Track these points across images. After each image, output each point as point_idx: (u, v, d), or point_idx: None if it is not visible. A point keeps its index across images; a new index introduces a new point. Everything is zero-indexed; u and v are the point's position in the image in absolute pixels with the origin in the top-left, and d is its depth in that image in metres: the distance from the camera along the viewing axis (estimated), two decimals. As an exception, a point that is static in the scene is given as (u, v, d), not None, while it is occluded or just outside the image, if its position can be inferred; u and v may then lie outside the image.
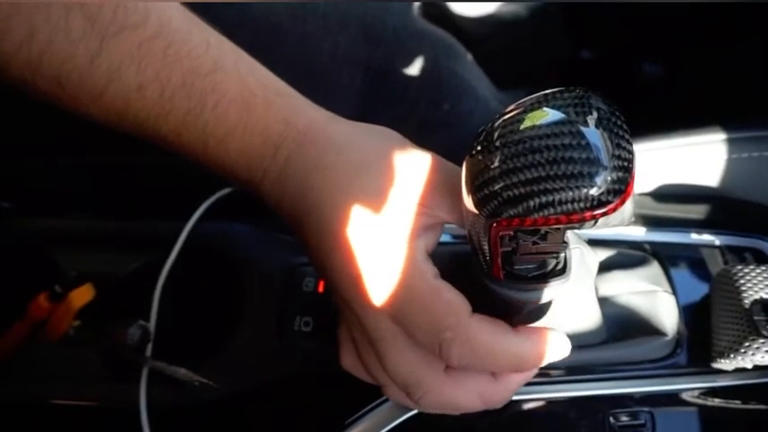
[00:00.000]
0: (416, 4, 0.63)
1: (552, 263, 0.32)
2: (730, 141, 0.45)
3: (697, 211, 0.47)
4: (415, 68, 0.57)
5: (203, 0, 0.48)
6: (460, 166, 0.29)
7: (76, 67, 0.32)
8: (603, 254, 0.45)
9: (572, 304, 0.38)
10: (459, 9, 0.71)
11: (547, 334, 0.33)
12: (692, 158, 0.46)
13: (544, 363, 0.33)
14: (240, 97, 0.35)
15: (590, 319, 0.40)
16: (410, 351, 0.33)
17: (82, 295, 0.44)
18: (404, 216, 0.33)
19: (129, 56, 0.33)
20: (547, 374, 0.41)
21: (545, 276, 0.32)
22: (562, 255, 0.32)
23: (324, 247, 0.33)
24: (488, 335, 0.32)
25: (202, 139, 0.35)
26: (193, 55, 0.34)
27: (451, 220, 0.34)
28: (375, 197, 0.33)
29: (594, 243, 0.46)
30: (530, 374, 0.36)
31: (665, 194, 0.47)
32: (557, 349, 0.34)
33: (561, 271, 0.32)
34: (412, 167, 0.34)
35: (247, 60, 0.36)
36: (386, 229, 0.33)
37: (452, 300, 0.32)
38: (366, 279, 0.32)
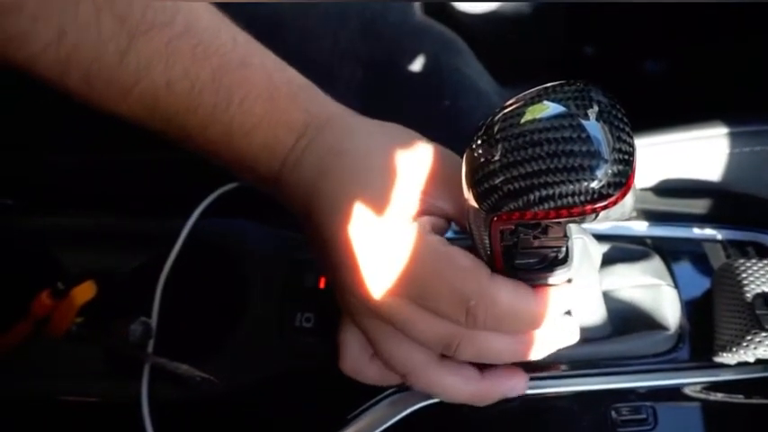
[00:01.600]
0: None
1: (552, 256, 0.32)
2: (732, 136, 0.45)
3: (699, 206, 0.47)
4: (415, 64, 0.57)
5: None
6: (463, 163, 0.29)
7: (105, 65, 0.33)
8: (605, 248, 0.45)
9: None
10: (460, 5, 0.71)
11: (561, 289, 0.33)
12: (694, 153, 0.46)
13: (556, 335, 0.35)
14: (266, 92, 0.36)
15: (595, 313, 0.40)
16: (435, 322, 0.33)
17: (84, 292, 0.45)
18: (407, 199, 0.34)
19: (158, 53, 0.34)
20: (549, 369, 0.41)
21: (548, 266, 0.32)
22: (562, 249, 0.32)
23: (333, 235, 0.34)
24: (511, 295, 0.32)
25: (228, 132, 0.36)
26: (221, 52, 0.36)
27: (452, 211, 0.35)
28: (381, 182, 0.34)
29: (596, 238, 0.46)
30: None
31: (667, 189, 0.47)
32: (569, 324, 0.35)
33: (563, 260, 0.32)
34: (416, 158, 0.35)
35: (273, 58, 0.38)
36: (391, 211, 0.33)
37: (469, 265, 0.32)
38: (378, 263, 0.33)
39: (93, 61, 0.33)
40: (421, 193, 0.34)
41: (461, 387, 0.36)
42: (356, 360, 0.38)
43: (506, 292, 0.32)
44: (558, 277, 0.32)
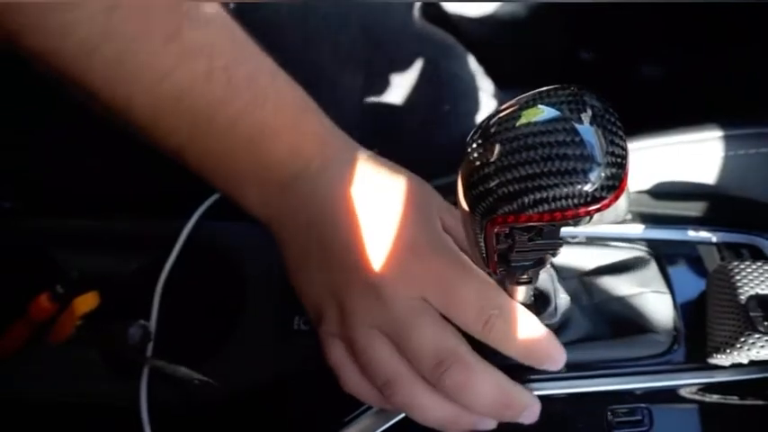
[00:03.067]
0: (417, 6, 0.63)
1: (548, 260, 0.33)
2: (727, 138, 0.45)
3: (694, 209, 0.47)
4: (415, 69, 0.58)
5: (207, 0, 0.48)
6: (459, 167, 0.29)
7: (148, 45, 0.34)
8: (601, 251, 0.45)
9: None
10: (458, 10, 0.71)
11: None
12: (690, 156, 0.46)
13: (549, 363, 0.36)
14: (296, 102, 0.39)
15: (589, 316, 0.41)
16: (444, 326, 0.34)
17: (86, 302, 0.45)
18: (435, 215, 0.37)
19: (202, 46, 0.35)
20: (545, 372, 0.41)
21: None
22: (557, 252, 0.33)
23: (359, 236, 0.35)
24: (524, 317, 0.34)
25: (258, 129, 0.37)
26: (257, 58, 0.38)
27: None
28: (411, 195, 0.36)
29: (591, 242, 0.46)
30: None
31: (663, 192, 0.47)
32: (560, 353, 0.36)
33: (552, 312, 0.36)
34: (421, 186, 0.38)
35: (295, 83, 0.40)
36: (424, 218, 0.36)
37: (493, 282, 0.34)
38: (413, 261, 0.34)
39: (138, 38, 0.33)
40: (438, 209, 0.37)
41: (434, 410, 0.36)
42: (353, 376, 0.37)
43: (521, 312, 0.34)
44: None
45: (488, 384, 0.34)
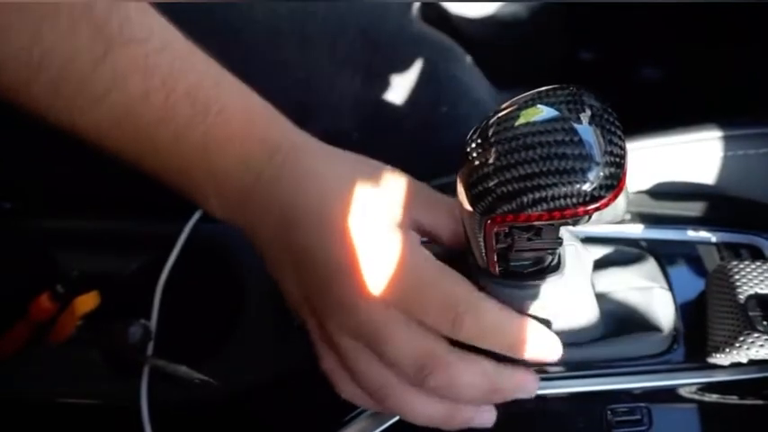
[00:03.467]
0: (415, 7, 0.63)
1: (547, 259, 0.33)
2: (727, 139, 0.45)
3: (693, 209, 0.47)
4: (413, 71, 0.58)
5: (206, 1, 0.49)
6: (459, 167, 0.29)
7: (78, 71, 0.33)
8: (600, 251, 0.45)
9: (569, 301, 0.39)
10: (457, 11, 0.71)
11: (543, 328, 0.34)
12: (689, 156, 0.46)
13: (535, 353, 0.34)
14: (242, 109, 0.37)
15: (587, 315, 0.41)
16: (416, 331, 0.33)
17: (87, 302, 0.45)
18: (392, 210, 0.35)
19: (136, 65, 0.34)
20: (544, 371, 0.41)
21: (540, 273, 0.33)
22: (556, 252, 0.33)
23: (316, 245, 0.34)
24: (497, 310, 0.33)
25: (201, 144, 0.36)
26: (198, 69, 0.36)
27: (431, 228, 0.36)
28: (364, 196, 0.35)
29: (591, 240, 0.46)
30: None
31: (662, 192, 0.47)
32: (550, 344, 0.34)
33: (555, 267, 0.33)
34: (393, 178, 0.37)
35: (244, 85, 0.38)
36: (378, 219, 0.34)
37: (459, 277, 0.33)
38: (367, 268, 0.33)
39: (65, 66, 0.33)
40: (403, 207, 0.35)
41: (427, 410, 0.35)
42: (347, 382, 0.37)
43: (493, 305, 0.33)
44: (550, 284, 0.33)
45: (473, 376, 0.34)
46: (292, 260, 0.36)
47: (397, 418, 0.40)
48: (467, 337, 0.33)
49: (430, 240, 0.37)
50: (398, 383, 0.35)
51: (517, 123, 0.26)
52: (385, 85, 0.56)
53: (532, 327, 0.34)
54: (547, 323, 0.34)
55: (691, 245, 0.47)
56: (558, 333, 0.34)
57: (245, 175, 0.36)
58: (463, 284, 0.33)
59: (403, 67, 0.56)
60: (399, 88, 0.56)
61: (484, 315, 0.32)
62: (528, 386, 0.36)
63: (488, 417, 0.37)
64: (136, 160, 0.37)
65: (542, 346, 0.34)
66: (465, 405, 0.36)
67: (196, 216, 0.48)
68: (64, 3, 0.32)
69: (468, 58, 0.63)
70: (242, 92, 0.38)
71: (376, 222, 0.34)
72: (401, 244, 0.34)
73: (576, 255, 0.37)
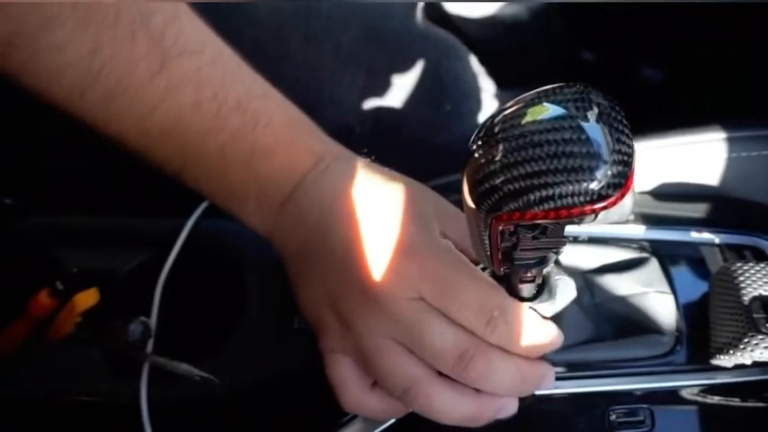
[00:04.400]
0: (419, 7, 0.63)
1: (550, 261, 0.33)
2: (730, 140, 0.45)
3: (697, 210, 0.47)
4: (416, 69, 0.58)
5: (210, 0, 0.48)
6: (463, 165, 0.29)
7: (134, 82, 0.34)
8: (603, 252, 0.45)
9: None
10: (460, 11, 0.71)
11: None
12: (692, 157, 0.46)
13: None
14: (288, 120, 0.39)
15: (593, 316, 0.41)
16: (451, 322, 0.34)
17: (86, 299, 0.44)
18: (430, 219, 0.36)
19: (189, 77, 0.35)
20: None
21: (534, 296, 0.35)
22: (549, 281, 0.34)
23: (354, 245, 0.35)
24: (527, 315, 0.34)
25: (249, 151, 0.37)
26: (247, 81, 0.38)
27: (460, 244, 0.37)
28: (404, 201, 0.36)
29: (595, 241, 0.46)
30: None
31: (665, 193, 0.47)
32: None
33: (546, 298, 0.35)
34: (427, 192, 0.39)
35: (287, 99, 0.40)
36: (418, 223, 0.36)
37: (493, 282, 0.34)
38: (406, 265, 0.34)
39: (124, 77, 0.34)
40: (435, 216, 0.37)
41: (459, 406, 0.36)
42: (357, 393, 0.37)
43: (525, 312, 0.34)
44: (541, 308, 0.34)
45: (507, 366, 0.34)
46: (319, 268, 0.37)
47: (394, 420, 0.40)
48: (497, 340, 0.34)
49: None
50: (430, 381, 0.35)
51: (524, 121, 0.26)
52: (388, 82, 0.56)
53: (555, 333, 0.35)
54: None
55: (694, 246, 0.47)
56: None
57: (286, 183, 0.38)
58: (497, 289, 0.34)
59: (407, 65, 0.56)
60: (403, 86, 0.56)
61: (516, 319, 0.33)
62: (549, 378, 0.37)
63: (513, 407, 0.37)
64: (180, 170, 0.38)
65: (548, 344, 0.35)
66: (492, 397, 0.36)
67: (197, 213, 0.48)
68: (123, 13, 0.33)
69: (472, 57, 0.63)
70: (286, 104, 0.39)
71: (416, 224, 0.35)
72: (439, 245, 0.35)
73: (570, 262, 0.37)
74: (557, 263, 0.37)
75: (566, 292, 0.36)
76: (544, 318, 0.35)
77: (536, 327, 0.34)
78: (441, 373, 0.35)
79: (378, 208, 0.36)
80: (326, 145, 0.39)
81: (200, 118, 0.36)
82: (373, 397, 0.37)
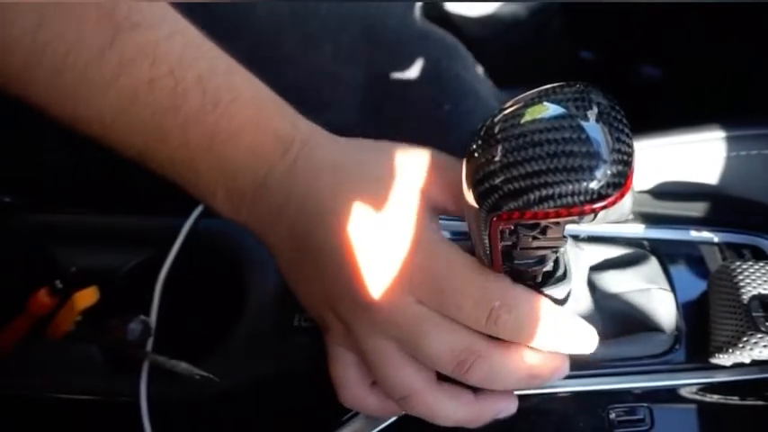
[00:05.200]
0: (417, 6, 0.63)
1: (551, 264, 0.33)
2: (730, 139, 0.45)
3: (696, 209, 0.47)
4: (416, 69, 0.57)
5: (208, 0, 0.48)
6: (464, 162, 0.29)
7: (83, 57, 0.32)
8: (602, 251, 0.45)
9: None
10: (459, 10, 0.71)
11: (579, 320, 0.34)
12: (692, 156, 0.46)
13: (574, 347, 0.34)
14: (253, 99, 0.35)
15: (591, 315, 0.41)
16: (450, 325, 0.33)
17: (86, 297, 0.44)
18: (409, 198, 0.34)
19: (144, 51, 0.33)
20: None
21: (542, 282, 0.33)
22: (561, 261, 0.33)
23: (334, 243, 0.33)
24: (533, 301, 0.32)
25: (211, 134, 0.34)
26: (208, 57, 0.35)
27: (454, 209, 0.35)
28: (380, 186, 0.34)
29: (594, 240, 0.46)
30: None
31: (665, 192, 0.47)
32: (588, 335, 0.34)
33: (561, 277, 0.33)
34: (410, 161, 0.35)
35: (255, 77, 0.37)
36: (409, 216, 0.33)
37: (490, 270, 0.32)
38: (397, 265, 0.32)
39: (71, 51, 0.31)
40: (420, 192, 0.34)
41: (458, 411, 0.35)
42: (357, 390, 0.37)
43: (529, 297, 0.32)
44: (553, 291, 0.33)
45: (512, 364, 0.33)
46: (312, 262, 0.35)
47: (394, 419, 0.40)
48: (503, 333, 0.32)
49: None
50: (429, 389, 0.34)
51: (523, 120, 0.26)
52: (387, 82, 0.56)
53: (570, 319, 0.33)
54: None
55: (693, 245, 0.47)
56: None
57: (256, 168, 0.35)
58: (497, 278, 0.32)
59: (406, 64, 0.56)
60: (402, 86, 0.56)
61: (521, 307, 0.32)
62: (563, 370, 0.35)
63: (512, 408, 0.37)
64: (139, 154, 0.35)
65: (581, 340, 0.34)
66: (494, 398, 0.36)
67: (197, 212, 0.48)
68: None
69: (471, 57, 0.63)
70: (252, 82, 0.36)
71: (402, 217, 0.33)
72: (430, 238, 0.33)
73: (575, 259, 0.37)
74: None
75: (579, 265, 0.36)
76: (556, 301, 0.34)
77: (548, 314, 0.32)
78: (440, 374, 0.35)
79: (358, 202, 0.33)
80: (296, 127, 0.36)
81: (155, 96, 0.33)
82: (373, 396, 0.37)
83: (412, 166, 0.35)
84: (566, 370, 0.35)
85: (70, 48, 0.32)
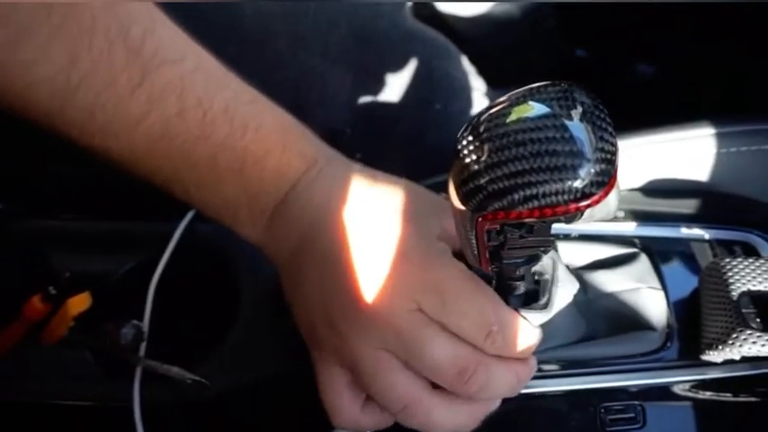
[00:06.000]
0: (408, 6, 0.63)
1: (539, 260, 0.33)
2: (719, 136, 0.45)
3: (687, 206, 0.47)
4: (406, 69, 0.58)
5: (198, 0, 0.49)
6: (450, 164, 0.29)
7: (115, 95, 0.33)
8: (594, 249, 0.45)
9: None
10: (451, 9, 0.71)
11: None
12: (682, 153, 0.46)
13: None
14: (279, 125, 0.38)
15: (582, 314, 0.41)
16: (449, 334, 0.34)
17: (79, 303, 0.44)
18: (429, 222, 0.36)
19: (172, 85, 0.34)
20: (538, 369, 0.41)
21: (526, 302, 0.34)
22: (547, 291, 0.34)
23: (348, 253, 0.34)
24: (526, 330, 0.34)
25: (240, 159, 0.36)
26: (233, 87, 0.37)
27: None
28: (402, 204, 0.36)
29: (585, 238, 0.46)
30: None
31: (655, 189, 0.47)
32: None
33: (544, 306, 0.34)
34: (426, 194, 0.38)
35: (276, 105, 0.39)
36: (417, 229, 0.35)
37: (491, 292, 0.34)
38: (404, 276, 0.33)
39: (104, 91, 0.33)
40: (435, 219, 0.36)
41: (454, 417, 0.35)
42: (350, 411, 0.37)
43: (522, 326, 0.34)
44: (530, 316, 0.34)
45: (506, 373, 0.34)
46: (314, 278, 0.36)
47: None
48: (496, 351, 0.34)
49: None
50: (427, 398, 0.34)
51: (508, 120, 0.26)
52: (378, 82, 0.56)
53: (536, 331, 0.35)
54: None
55: (684, 242, 0.47)
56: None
57: (278, 189, 0.37)
58: (497, 301, 0.34)
59: (396, 64, 0.56)
60: (392, 86, 0.56)
61: (514, 332, 0.33)
62: (534, 368, 0.37)
63: (497, 402, 0.37)
64: (167, 180, 0.37)
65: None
66: (486, 403, 0.36)
67: (189, 216, 0.48)
68: (99, 21, 0.32)
69: (462, 56, 0.63)
70: (276, 110, 0.38)
71: (411, 229, 0.35)
72: (438, 253, 0.34)
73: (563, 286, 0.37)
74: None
75: (563, 296, 0.36)
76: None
77: (528, 334, 0.34)
78: (433, 383, 0.35)
79: (372, 214, 0.35)
80: (319, 149, 0.39)
81: (186, 127, 0.35)
82: (366, 414, 0.37)
83: (424, 198, 0.37)
84: (534, 367, 0.37)
85: (103, 87, 0.33)
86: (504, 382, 0.34)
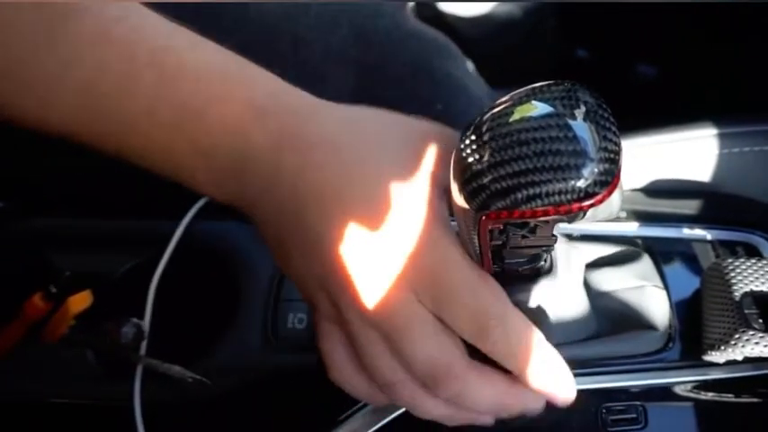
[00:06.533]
0: (410, 6, 0.63)
1: (540, 261, 0.33)
2: (722, 136, 0.45)
3: (689, 207, 0.47)
4: (407, 68, 0.57)
5: (199, 0, 0.48)
6: (453, 164, 0.29)
7: (27, 55, 0.31)
8: (596, 249, 0.45)
9: (560, 300, 0.38)
10: (453, 10, 0.71)
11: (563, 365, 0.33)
12: (684, 154, 0.46)
13: (546, 387, 0.33)
14: (222, 70, 0.33)
15: (578, 313, 0.41)
16: (439, 334, 0.32)
17: (80, 301, 0.44)
18: (419, 182, 0.32)
19: (90, 39, 0.31)
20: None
21: (533, 276, 0.33)
22: (549, 253, 0.33)
23: (331, 230, 0.31)
24: (525, 331, 0.32)
25: (179, 114, 0.32)
26: (164, 33, 0.33)
27: None
28: (385, 168, 0.32)
29: (587, 239, 0.46)
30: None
31: (657, 190, 0.47)
32: (564, 382, 0.33)
33: (548, 270, 0.33)
34: (412, 136, 0.33)
35: (221, 47, 0.34)
36: (417, 208, 0.31)
37: (495, 285, 0.31)
38: (401, 260, 0.31)
39: (12, 47, 0.30)
40: (431, 175, 0.32)
41: (437, 407, 0.34)
42: (345, 368, 0.35)
43: (522, 325, 0.32)
44: (542, 286, 0.33)
45: (483, 391, 0.32)
46: (299, 242, 0.32)
47: (390, 418, 0.40)
48: (492, 351, 0.31)
49: None
50: (410, 382, 0.33)
51: (511, 119, 0.26)
52: (379, 82, 0.56)
53: (558, 360, 0.32)
54: (537, 322, 0.34)
55: (686, 242, 0.47)
56: (550, 331, 0.34)
57: (231, 145, 0.33)
58: (498, 295, 0.31)
59: (397, 64, 0.56)
60: (393, 85, 0.56)
61: (514, 333, 0.31)
62: (535, 408, 0.34)
63: (490, 419, 0.36)
64: (116, 150, 0.34)
65: (561, 384, 0.33)
66: (468, 409, 0.35)
67: (190, 215, 0.48)
68: None
69: (464, 56, 0.63)
70: (219, 53, 0.34)
71: (411, 207, 0.31)
72: (439, 235, 0.31)
73: (567, 255, 0.36)
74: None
75: (568, 263, 0.35)
76: (540, 305, 0.34)
77: (540, 350, 0.32)
78: None
79: (358, 188, 0.31)
80: (276, 98, 0.33)
81: (110, 83, 0.31)
82: (361, 377, 0.35)
83: (419, 142, 0.33)
84: (538, 410, 0.34)
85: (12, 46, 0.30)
86: (482, 398, 0.32)
